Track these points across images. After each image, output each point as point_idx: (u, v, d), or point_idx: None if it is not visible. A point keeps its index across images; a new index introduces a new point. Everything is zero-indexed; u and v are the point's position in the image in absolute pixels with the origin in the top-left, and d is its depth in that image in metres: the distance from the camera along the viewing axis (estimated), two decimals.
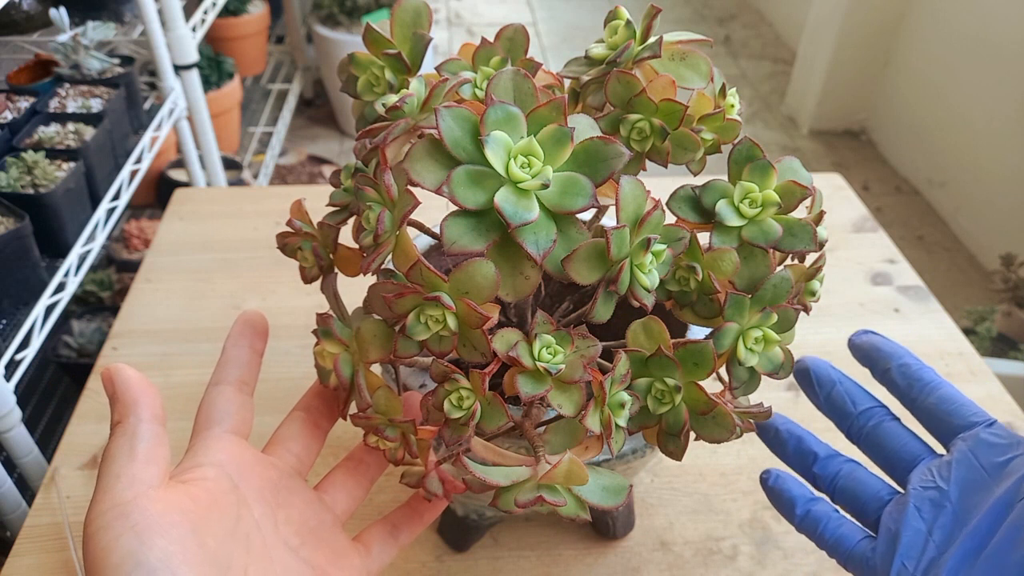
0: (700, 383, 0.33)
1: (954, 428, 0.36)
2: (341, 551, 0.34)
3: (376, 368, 0.41)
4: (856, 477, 0.37)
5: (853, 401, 0.39)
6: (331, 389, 0.37)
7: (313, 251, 0.37)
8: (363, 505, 0.54)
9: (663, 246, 0.32)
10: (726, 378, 0.35)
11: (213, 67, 1.74)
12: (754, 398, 0.37)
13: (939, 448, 0.37)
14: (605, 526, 0.52)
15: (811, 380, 0.40)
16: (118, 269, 1.38)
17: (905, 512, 0.34)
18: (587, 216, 0.43)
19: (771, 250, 0.34)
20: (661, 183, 0.52)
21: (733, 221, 0.34)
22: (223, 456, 0.32)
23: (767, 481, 0.40)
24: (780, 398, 0.63)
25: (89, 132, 0.91)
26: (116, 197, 0.94)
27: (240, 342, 0.35)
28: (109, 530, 0.26)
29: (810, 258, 0.37)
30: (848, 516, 0.38)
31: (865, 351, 0.40)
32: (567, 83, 0.37)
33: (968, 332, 1.42)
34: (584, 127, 0.32)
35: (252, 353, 0.35)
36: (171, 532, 0.27)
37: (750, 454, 0.59)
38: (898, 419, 0.38)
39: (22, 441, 0.73)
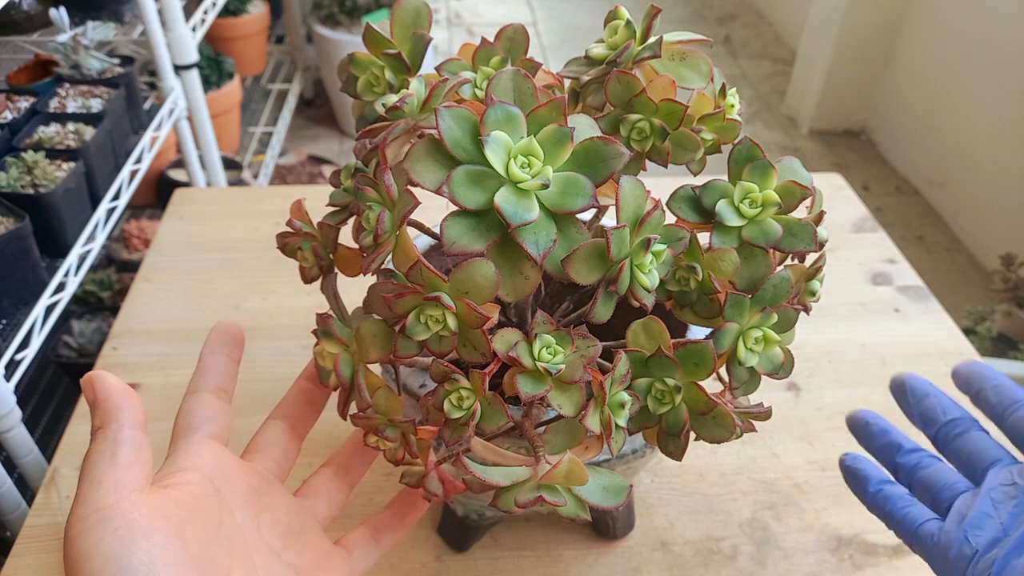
0: (700, 383, 0.33)
1: None
2: (323, 554, 0.34)
3: (376, 368, 0.41)
4: (936, 469, 0.39)
5: (943, 411, 0.40)
6: (310, 395, 0.37)
7: (313, 251, 0.37)
8: (364, 506, 0.54)
9: (663, 246, 0.32)
10: (726, 378, 0.35)
11: (213, 67, 1.74)
12: (754, 398, 0.37)
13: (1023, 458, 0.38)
14: (605, 526, 0.52)
15: (905, 391, 0.41)
16: (118, 269, 1.38)
17: (977, 500, 0.36)
18: (587, 216, 0.43)
19: (771, 250, 0.34)
20: (661, 183, 0.52)
21: (733, 221, 0.34)
22: (204, 461, 0.31)
23: (844, 461, 0.42)
24: (780, 398, 0.63)
25: (89, 132, 0.90)
26: (116, 197, 0.94)
27: (217, 350, 0.35)
28: (91, 534, 0.26)
29: (810, 258, 0.37)
30: (918, 501, 0.39)
31: (966, 377, 0.41)
32: (567, 83, 0.37)
33: (968, 332, 1.42)
34: (584, 127, 0.32)
35: (229, 361, 0.35)
36: (154, 536, 0.27)
37: (750, 454, 0.59)
38: (985, 431, 0.39)
39: (22, 441, 0.73)
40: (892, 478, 0.40)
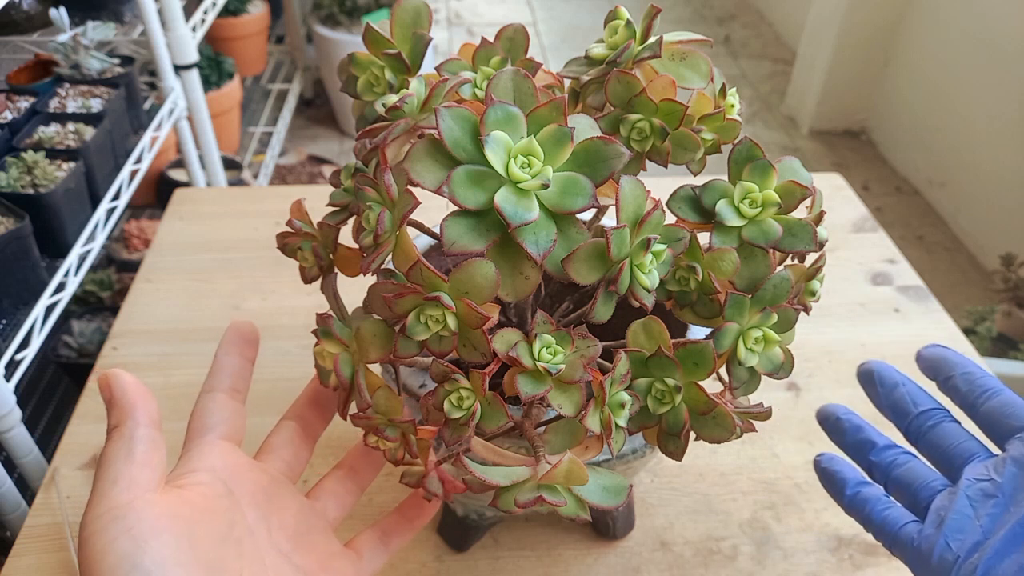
0: (700, 383, 0.33)
1: (1012, 429, 0.36)
2: (332, 557, 0.34)
3: (376, 368, 0.41)
4: (911, 467, 0.38)
5: (914, 402, 0.39)
6: (322, 397, 0.37)
7: (313, 251, 0.37)
8: (364, 505, 0.54)
9: (663, 246, 0.32)
10: (726, 378, 0.35)
11: (213, 67, 1.74)
12: (754, 398, 0.37)
13: (997, 451, 0.37)
14: (605, 526, 0.52)
15: (874, 381, 0.40)
16: (118, 269, 1.38)
17: (955, 500, 0.35)
18: (587, 216, 0.43)
19: (771, 250, 0.34)
20: (661, 183, 0.52)
21: (733, 221, 0.34)
22: (217, 462, 0.32)
23: (820, 463, 0.41)
24: (780, 398, 0.63)
25: (89, 132, 0.90)
26: (116, 197, 0.94)
27: (231, 350, 0.35)
28: (105, 533, 0.26)
29: (810, 258, 0.37)
30: (897, 502, 0.38)
31: (931, 362, 0.40)
32: (567, 83, 0.37)
33: (968, 332, 1.42)
34: (584, 127, 0.32)
35: (243, 361, 0.35)
36: (166, 536, 0.27)
37: (750, 454, 0.59)
38: (958, 421, 0.38)
39: (22, 441, 0.73)
40: (868, 478, 0.39)
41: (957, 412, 0.39)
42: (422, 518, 0.38)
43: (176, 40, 1.10)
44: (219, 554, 0.28)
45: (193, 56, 1.14)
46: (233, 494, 0.31)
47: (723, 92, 0.37)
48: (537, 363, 0.31)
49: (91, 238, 0.88)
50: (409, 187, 0.31)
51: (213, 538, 0.29)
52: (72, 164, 0.86)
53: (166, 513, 0.28)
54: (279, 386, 0.61)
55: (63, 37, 1.00)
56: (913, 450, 0.39)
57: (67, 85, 0.98)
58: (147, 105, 1.17)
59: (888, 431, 0.40)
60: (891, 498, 0.38)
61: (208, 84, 1.72)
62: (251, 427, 0.37)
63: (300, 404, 0.37)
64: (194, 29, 1.16)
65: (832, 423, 0.41)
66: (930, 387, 0.40)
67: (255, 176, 1.88)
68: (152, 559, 0.26)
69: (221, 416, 0.33)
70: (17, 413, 0.71)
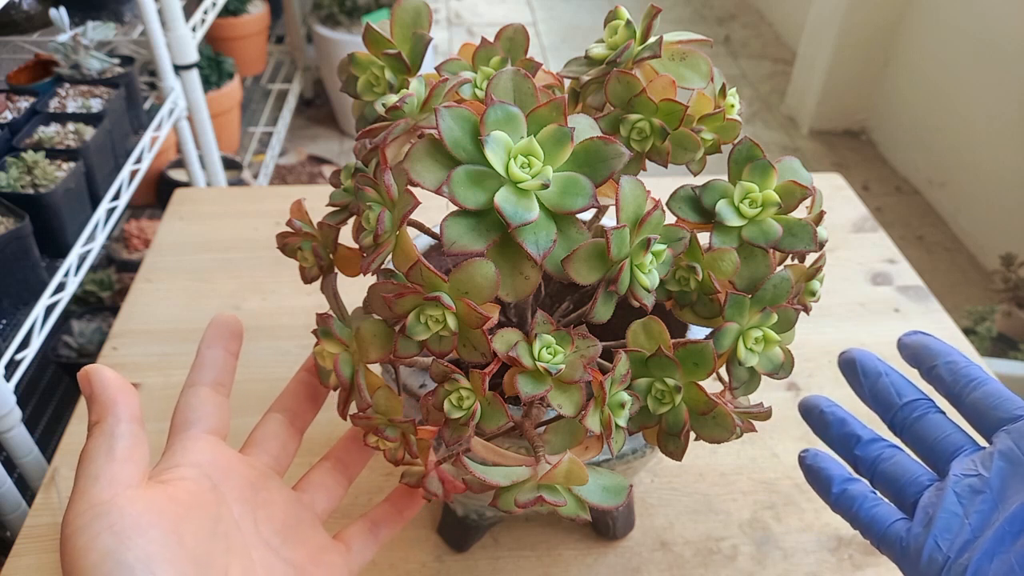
0: (700, 383, 0.33)
1: (999, 421, 0.35)
2: (321, 549, 0.34)
3: (376, 368, 0.41)
4: (897, 461, 0.37)
5: (899, 392, 0.38)
6: (310, 387, 0.37)
7: (313, 251, 0.37)
8: (364, 506, 0.54)
9: (663, 246, 0.32)
10: (726, 378, 0.35)
11: (213, 67, 1.74)
12: (754, 398, 0.37)
13: (984, 443, 0.37)
14: (605, 526, 0.52)
15: (856, 370, 0.39)
16: (118, 269, 1.38)
17: (943, 497, 0.34)
18: (587, 216, 0.43)
19: (771, 250, 0.34)
20: (661, 183, 0.52)
21: (733, 221, 0.34)
22: (201, 456, 0.31)
23: (805, 459, 0.40)
24: (780, 398, 0.63)
25: (89, 132, 0.90)
26: (116, 197, 0.94)
27: (214, 344, 0.35)
28: (87, 530, 0.26)
29: (810, 258, 0.37)
30: (884, 499, 0.37)
31: (914, 350, 0.39)
32: (567, 83, 0.37)
33: (968, 332, 1.42)
34: (584, 127, 0.32)
35: (227, 354, 0.35)
36: (150, 531, 0.27)
37: (750, 454, 0.59)
38: (943, 412, 0.38)
39: (22, 441, 0.73)
40: (854, 474, 0.39)
41: (942, 402, 0.38)
42: (412, 508, 0.38)
43: (176, 40, 1.10)
44: (206, 549, 0.28)
45: (193, 56, 1.14)
46: (218, 488, 0.31)
47: (723, 92, 0.37)
48: (537, 363, 0.31)
49: (91, 238, 0.88)
50: (409, 187, 0.31)
51: (199, 533, 0.28)
52: (72, 164, 0.86)
53: (150, 509, 0.27)
54: (279, 386, 0.60)
55: (63, 37, 1.00)
56: (899, 442, 0.38)
57: (67, 85, 0.98)
58: (147, 105, 1.17)
59: (872, 423, 0.40)
60: (878, 495, 0.37)
61: (208, 84, 1.72)
62: (251, 427, 0.37)
63: (287, 396, 0.37)
64: (194, 29, 1.16)
65: (816, 416, 0.40)
66: (913, 375, 0.40)
67: (255, 176, 1.88)
68: (136, 555, 0.26)
69: (205, 410, 0.33)
70: (17, 413, 0.71)
